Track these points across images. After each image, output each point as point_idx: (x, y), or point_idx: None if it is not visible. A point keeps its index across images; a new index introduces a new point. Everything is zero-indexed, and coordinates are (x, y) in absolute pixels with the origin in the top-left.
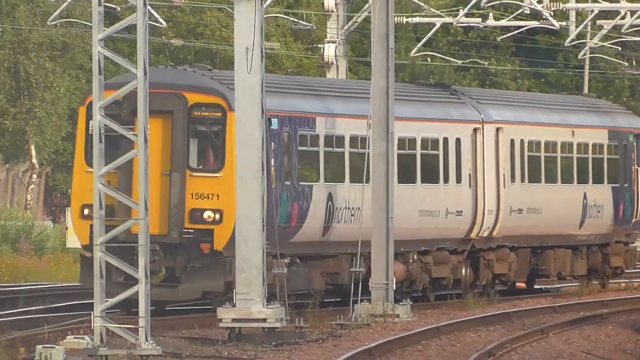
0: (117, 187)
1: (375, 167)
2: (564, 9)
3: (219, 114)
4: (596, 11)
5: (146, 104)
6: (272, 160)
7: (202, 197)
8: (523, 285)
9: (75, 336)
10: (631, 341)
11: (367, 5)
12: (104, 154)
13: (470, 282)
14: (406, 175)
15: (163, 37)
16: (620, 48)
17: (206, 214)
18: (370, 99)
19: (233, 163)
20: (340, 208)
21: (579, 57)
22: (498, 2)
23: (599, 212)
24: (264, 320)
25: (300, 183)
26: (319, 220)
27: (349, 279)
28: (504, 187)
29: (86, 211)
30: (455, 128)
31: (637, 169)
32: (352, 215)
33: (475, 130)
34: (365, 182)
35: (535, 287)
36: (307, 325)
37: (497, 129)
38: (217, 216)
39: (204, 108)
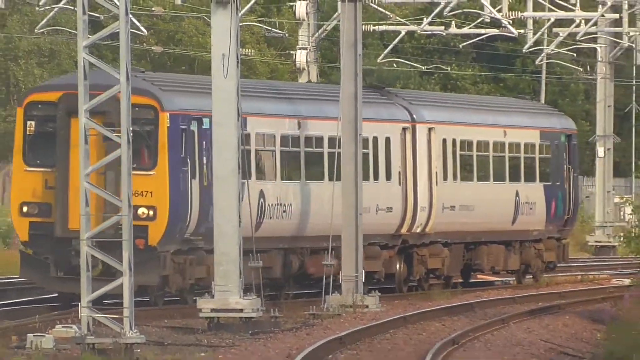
0: (53, 186)
1: (345, 167)
2: (522, 17)
3: (151, 115)
4: (552, 19)
5: (129, 107)
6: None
7: (136, 195)
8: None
9: (63, 325)
10: (587, 330)
11: (337, 14)
12: (43, 151)
13: (404, 277)
14: (336, 173)
15: (144, 44)
16: (575, 54)
17: (140, 211)
18: (339, 103)
19: (165, 161)
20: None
21: (537, 62)
22: (459, 10)
23: (531, 209)
24: (241, 310)
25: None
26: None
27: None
28: (437, 184)
29: (25, 209)
30: (384, 127)
31: (568, 168)
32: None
33: (404, 129)
34: (334, 180)
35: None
36: (281, 315)
37: (430, 129)
38: (151, 212)
39: (136, 109)
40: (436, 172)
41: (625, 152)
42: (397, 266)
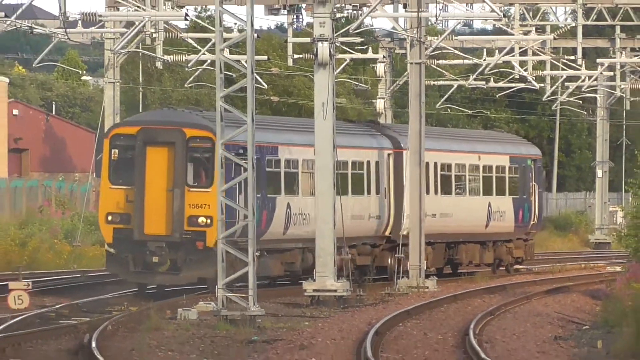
0: (133, 199)
1: (412, 185)
2: (542, 74)
3: (209, 144)
4: (564, 76)
5: (253, 141)
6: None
7: (197, 207)
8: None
9: (204, 302)
10: (588, 304)
11: (406, 72)
12: (125, 173)
13: (395, 269)
14: (341, 189)
15: (265, 95)
16: (581, 102)
17: (200, 219)
18: (408, 137)
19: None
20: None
21: (553, 108)
22: (496, 70)
23: (501, 216)
24: (335, 290)
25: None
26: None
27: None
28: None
29: (109, 217)
30: (375, 153)
31: (533, 185)
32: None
33: (389, 155)
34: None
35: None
36: (364, 294)
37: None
38: (209, 221)
39: (198, 140)
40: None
41: (618, 173)
42: (390, 261)
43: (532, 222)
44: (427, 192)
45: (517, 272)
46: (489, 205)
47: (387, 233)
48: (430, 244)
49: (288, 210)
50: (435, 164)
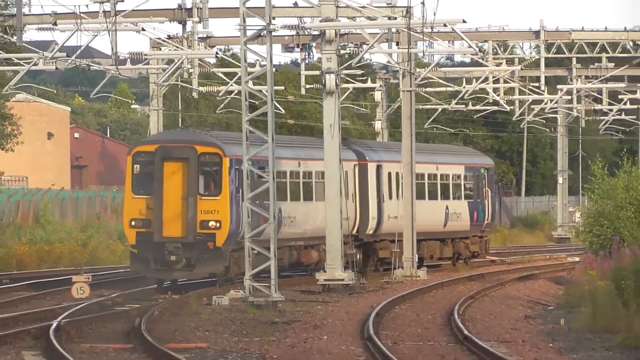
0: (153, 206)
1: (406, 191)
2: (512, 99)
3: (218, 159)
4: (530, 100)
5: (273, 157)
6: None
7: (208, 213)
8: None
9: (234, 290)
10: (553, 289)
11: (399, 99)
12: (145, 184)
13: (363, 263)
14: (318, 196)
15: (282, 118)
16: (544, 121)
17: (211, 223)
18: (401, 152)
19: (227, 190)
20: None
21: (521, 126)
22: (474, 95)
23: (458, 217)
24: (342, 280)
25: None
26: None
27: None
28: (384, 202)
29: (133, 223)
30: (344, 165)
31: (487, 190)
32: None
33: (355, 166)
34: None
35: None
36: (367, 283)
37: (378, 166)
38: (218, 224)
39: (207, 156)
40: (383, 194)
41: (575, 180)
42: (358, 256)
43: (486, 222)
44: (390, 197)
45: (493, 263)
46: (447, 208)
47: (354, 232)
48: (394, 242)
49: (279, 214)
50: (398, 173)
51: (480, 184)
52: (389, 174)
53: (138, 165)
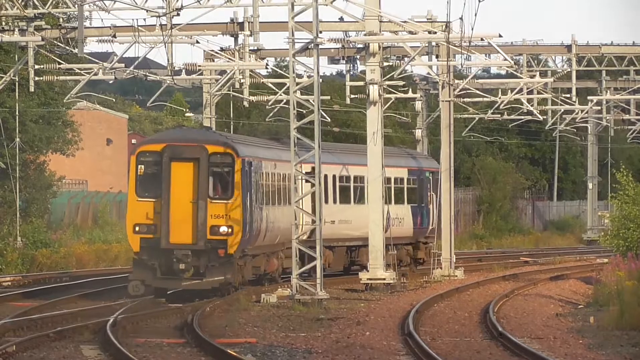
0: (159, 210)
1: (444, 196)
2: (545, 109)
3: (230, 160)
4: (562, 110)
5: (319, 161)
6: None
7: (219, 217)
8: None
9: (282, 289)
10: (582, 289)
11: (438, 108)
12: (151, 186)
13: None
14: (281, 198)
15: (328, 126)
16: (575, 130)
17: (222, 229)
18: (441, 157)
19: (240, 193)
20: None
21: (553, 135)
22: (509, 105)
23: (400, 222)
24: (384, 279)
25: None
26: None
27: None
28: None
29: (137, 228)
30: (284, 165)
31: (431, 195)
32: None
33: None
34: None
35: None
36: (407, 282)
37: (313, 168)
38: (230, 230)
39: (219, 156)
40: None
41: (604, 185)
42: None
43: (430, 227)
44: (326, 201)
45: (526, 264)
46: (388, 212)
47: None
48: (331, 248)
49: (266, 219)
50: (334, 176)
51: (425, 187)
52: (326, 176)
53: (142, 166)
